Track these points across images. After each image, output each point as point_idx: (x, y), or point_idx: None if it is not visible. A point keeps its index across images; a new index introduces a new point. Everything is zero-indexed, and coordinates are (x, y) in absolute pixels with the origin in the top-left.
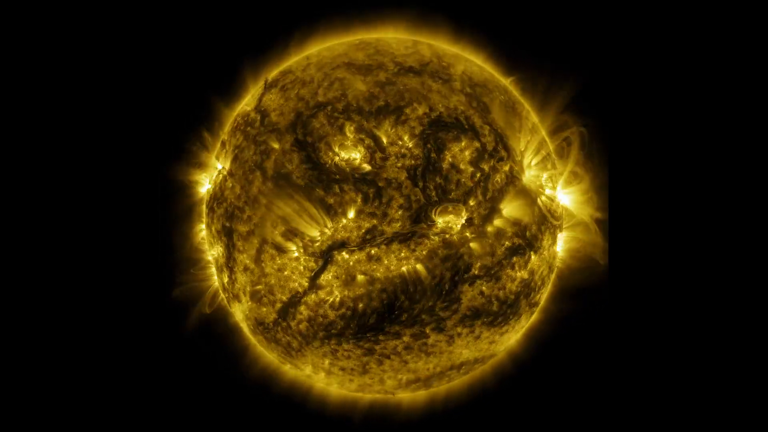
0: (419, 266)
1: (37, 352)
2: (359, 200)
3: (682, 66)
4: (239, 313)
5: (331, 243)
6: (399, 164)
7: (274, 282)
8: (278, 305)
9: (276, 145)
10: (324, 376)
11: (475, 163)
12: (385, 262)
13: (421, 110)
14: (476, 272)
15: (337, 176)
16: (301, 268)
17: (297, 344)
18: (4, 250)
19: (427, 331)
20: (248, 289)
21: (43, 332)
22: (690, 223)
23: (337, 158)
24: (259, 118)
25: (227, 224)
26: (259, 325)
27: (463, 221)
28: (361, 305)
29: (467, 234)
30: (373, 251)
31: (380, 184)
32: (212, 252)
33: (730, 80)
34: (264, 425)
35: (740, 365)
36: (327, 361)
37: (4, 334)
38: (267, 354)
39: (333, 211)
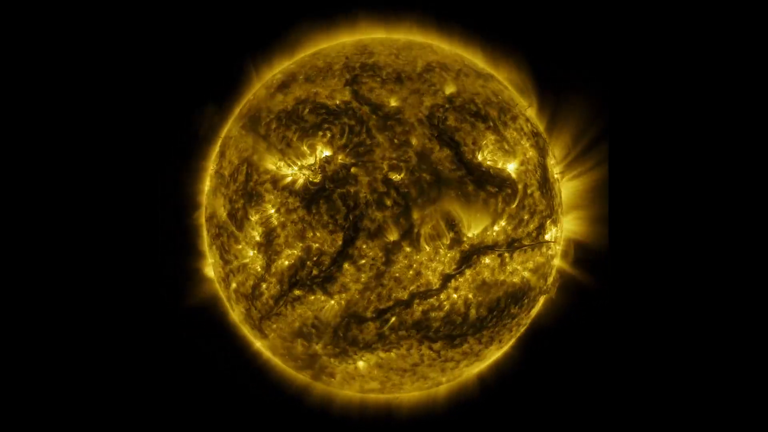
0: None
1: (36, 349)
2: None
3: (681, 71)
4: None
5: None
6: None
7: None
8: None
9: None
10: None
11: None
12: None
13: None
14: None
15: None
16: None
17: None
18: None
19: None
20: None
21: (41, 331)
22: (689, 226)
23: None
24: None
25: None
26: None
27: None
28: None
29: None
30: None
31: None
32: None
33: (728, 84)
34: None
35: (740, 367)
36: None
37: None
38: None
39: None
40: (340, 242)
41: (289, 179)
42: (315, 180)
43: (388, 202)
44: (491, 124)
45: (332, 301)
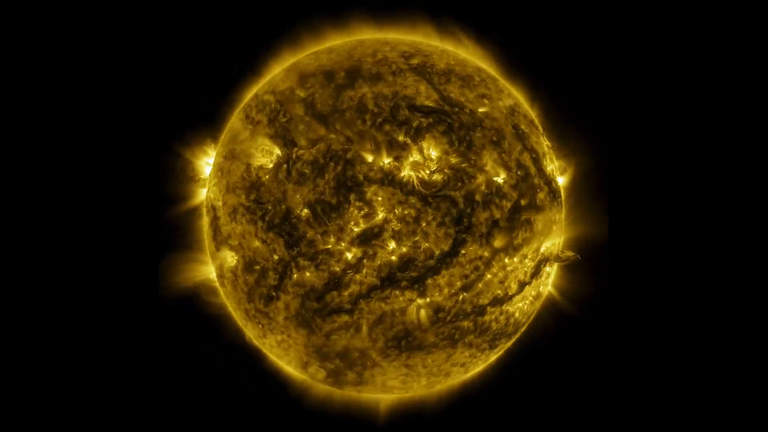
0: None
1: (34, 346)
2: None
3: (680, 75)
4: None
5: None
6: None
7: None
8: None
9: None
10: None
11: None
12: None
13: None
14: None
15: None
16: None
17: None
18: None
19: None
20: None
21: (40, 329)
22: (688, 230)
23: None
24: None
25: None
26: None
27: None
28: None
29: None
30: None
31: None
32: None
33: (727, 88)
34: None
35: (739, 373)
36: None
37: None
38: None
39: None
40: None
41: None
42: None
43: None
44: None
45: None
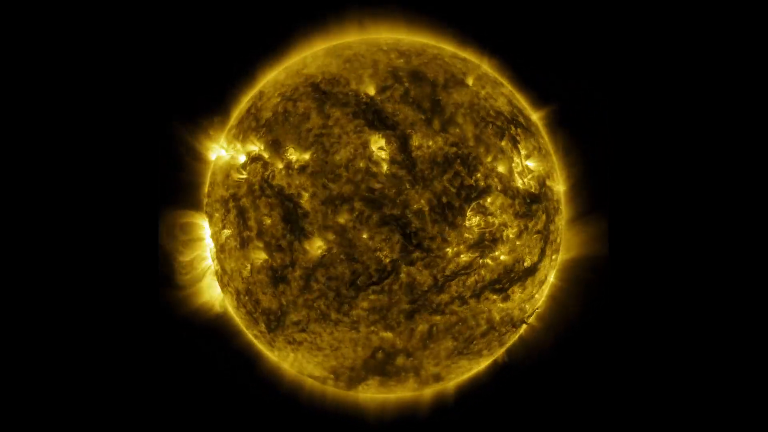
0: None
1: (32, 344)
2: None
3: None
4: None
5: None
6: None
7: None
8: None
9: None
10: None
11: None
12: None
13: None
14: None
15: None
16: None
17: None
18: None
19: None
20: None
21: (38, 327)
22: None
23: None
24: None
25: None
26: None
27: None
28: None
29: None
30: None
31: None
32: None
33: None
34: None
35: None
36: None
37: None
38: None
39: None
40: None
41: None
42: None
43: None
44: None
45: None
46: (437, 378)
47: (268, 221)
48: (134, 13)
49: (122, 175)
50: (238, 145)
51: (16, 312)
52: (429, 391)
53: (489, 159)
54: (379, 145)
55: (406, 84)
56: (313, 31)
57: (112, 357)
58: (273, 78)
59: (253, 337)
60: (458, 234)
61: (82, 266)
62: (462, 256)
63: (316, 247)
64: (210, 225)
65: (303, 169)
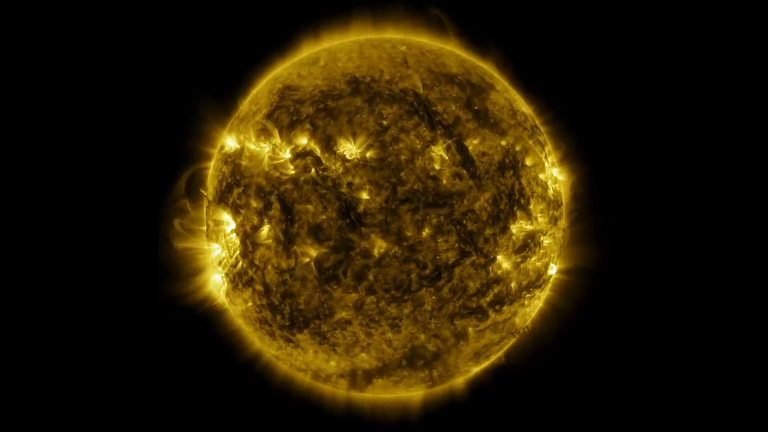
0: None
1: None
2: None
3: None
4: None
5: None
6: None
7: None
8: None
9: None
10: None
11: None
12: None
13: None
14: None
15: None
16: None
17: None
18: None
19: None
20: None
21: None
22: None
23: None
24: None
25: None
26: None
27: None
28: None
29: None
30: None
31: None
32: None
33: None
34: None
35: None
36: None
37: None
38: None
39: None
40: None
41: None
42: None
43: None
44: None
45: None
46: (449, 376)
47: (322, 217)
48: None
49: (126, 167)
50: (276, 140)
51: (15, 302)
52: (429, 392)
53: (530, 163)
54: (437, 144)
55: (444, 84)
56: (328, 25)
57: (111, 347)
58: (293, 72)
59: (265, 332)
60: (507, 238)
61: (84, 260)
62: (506, 262)
63: (373, 246)
64: (234, 219)
65: (362, 165)
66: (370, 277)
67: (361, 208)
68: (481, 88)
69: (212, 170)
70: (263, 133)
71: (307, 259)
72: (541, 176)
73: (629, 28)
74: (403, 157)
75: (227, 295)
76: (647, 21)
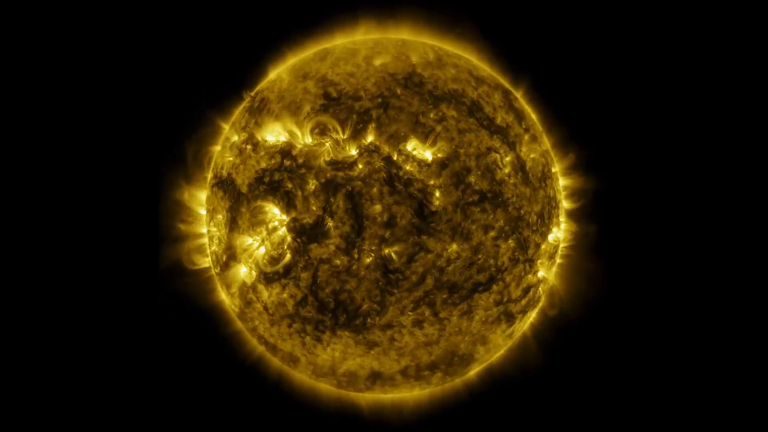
0: None
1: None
2: None
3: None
4: None
5: None
6: None
7: None
8: None
9: None
10: None
11: None
12: None
13: None
14: None
15: None
16: None
17: None
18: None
19: None
20: None
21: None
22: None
23: None
24: None
25: None
26: None
27: None
28: None
29: None
30: None
31: None
32: None
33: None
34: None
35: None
36: None
37: None
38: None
39: None
40: None
41: None
42: None
43: None
44: None
45: None
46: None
47: (387, 216)
48: None
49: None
50: (337, 135)
51: (15, 302)
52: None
53: (554, 170)
54: (496, 148)
55: (483, 87)
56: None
57: (111, 347)
58: (324, 68)
59: (293, 328)
60: (545, 245)
61: (83, 259)
62: (542, 268)
63: (440, 246)
64: (280, 210)
65: (437, 165)
66: (429, 280)
67: (432, 207)
68: (509, 91)
69: (242, 159)
70: (318, 126)
71: (369, 259)
72: (562, 183)
73: (633, 40)
74: (470, 161)
75: (252, 286)
76: (650, 32)
